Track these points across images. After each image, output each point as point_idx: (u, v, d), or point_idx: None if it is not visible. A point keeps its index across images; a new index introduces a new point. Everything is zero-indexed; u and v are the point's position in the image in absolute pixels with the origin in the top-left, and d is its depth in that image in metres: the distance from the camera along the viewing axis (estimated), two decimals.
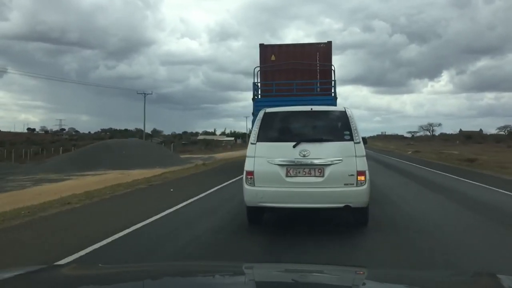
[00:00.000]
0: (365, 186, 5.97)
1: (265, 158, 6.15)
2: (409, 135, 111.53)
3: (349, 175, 5.95)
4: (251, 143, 6.36)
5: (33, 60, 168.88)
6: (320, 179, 5.99)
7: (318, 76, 17.56)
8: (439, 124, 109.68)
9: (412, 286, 1.98)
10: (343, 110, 6.61)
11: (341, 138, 6.25)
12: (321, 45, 18.10)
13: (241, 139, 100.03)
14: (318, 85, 17.58)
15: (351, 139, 6.14)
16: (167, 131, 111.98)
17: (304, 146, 6.08)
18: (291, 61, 17.48)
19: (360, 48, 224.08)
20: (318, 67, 17.57)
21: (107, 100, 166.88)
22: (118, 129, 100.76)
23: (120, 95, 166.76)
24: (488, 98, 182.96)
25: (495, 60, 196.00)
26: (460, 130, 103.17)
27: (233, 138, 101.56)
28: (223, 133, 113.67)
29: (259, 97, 17.54)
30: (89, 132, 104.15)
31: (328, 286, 1.99)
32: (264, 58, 17.99)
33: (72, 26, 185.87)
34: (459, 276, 2.40)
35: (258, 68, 17.75)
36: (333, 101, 16.26)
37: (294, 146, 6.09)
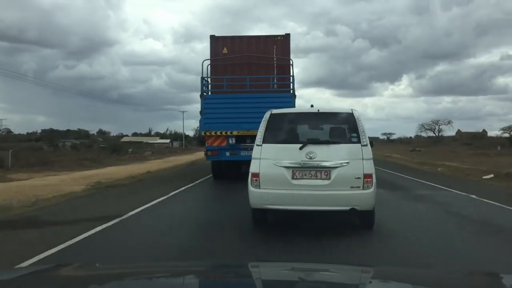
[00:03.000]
0: (371, 189, 5.94)
1: (271, 160, 6.09)
2: (384, 137, 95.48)
3: (355, 178, 5.91)
4: (257, 145, 6.26)
5: None
6: (326, 182, 5.96)
7: (275, 71, 15.88)
8: (449, 122, 77.55)
9: (417, 285, 1.95)
10: (350, 112, 6.51)
11: (348, 141, 6.27)
12: (279, 37, 16.31)
13: (179, 141, 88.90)
14: (275, 80, 16.01)
15: (359, 141, 6.11)
16: (115, 132, 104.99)
17: (310, 148, 6.04)
18: (245, 54, 15.67)
19: (323, 52, 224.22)
20: (275, 62, 15.89)
21: (65, 101, 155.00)
22: (59, 129, 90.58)
23: (80, 95, 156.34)
24: (446, 101, 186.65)
25: (452, 65, 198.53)
26: (458, 130, 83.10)
27: (168, 141, 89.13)
28: (173, 134, 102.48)
29: (209, 93, 15.69)
30: (27, 132, 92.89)
31: (335, 285, 1.99)
32: (215, 50, 15.98)
33: (31, 24, 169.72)
34: (458, 274, 2.33)
35: (208, 62, 15.78)
36: (291, 98, 14.63)
37: (300, 148, 6.04)
